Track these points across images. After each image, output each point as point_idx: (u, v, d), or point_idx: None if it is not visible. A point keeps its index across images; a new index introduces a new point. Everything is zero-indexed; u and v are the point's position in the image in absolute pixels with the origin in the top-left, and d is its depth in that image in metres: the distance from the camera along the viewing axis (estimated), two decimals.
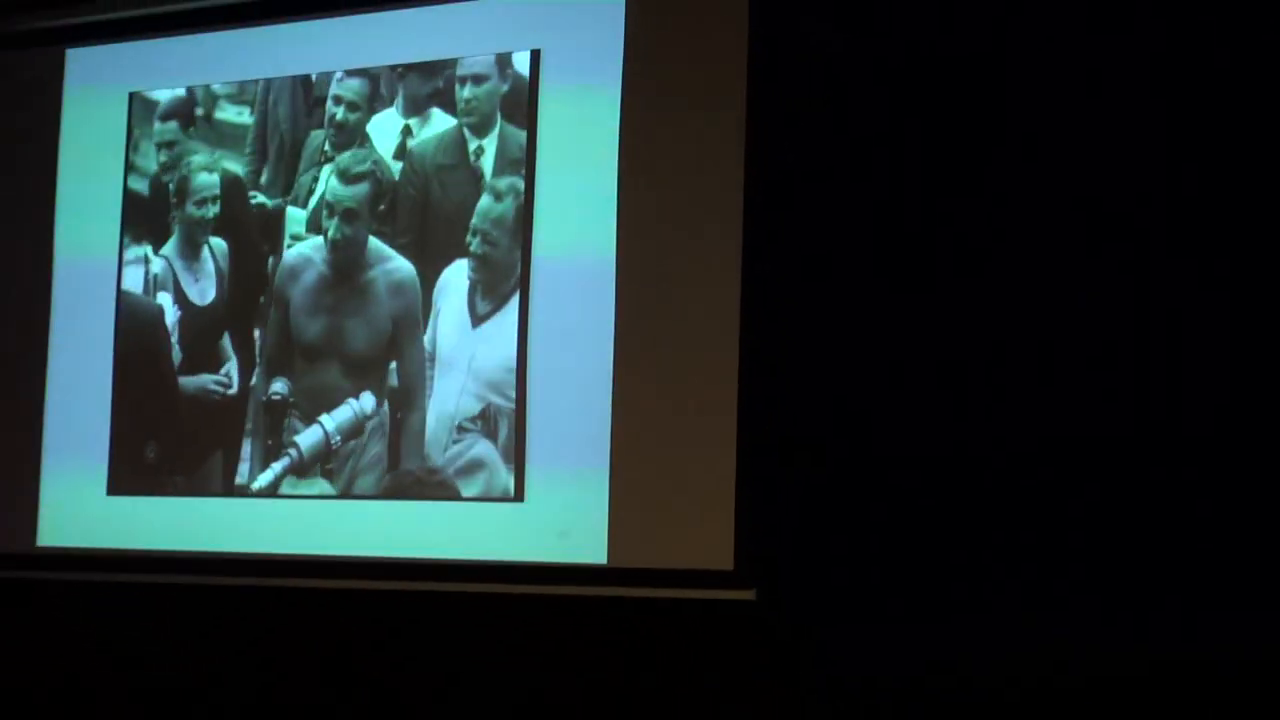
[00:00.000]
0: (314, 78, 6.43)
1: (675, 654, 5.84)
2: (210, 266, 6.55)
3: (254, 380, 6.39)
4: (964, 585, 5.53)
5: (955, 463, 5.53)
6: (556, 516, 5.82)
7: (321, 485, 6.26)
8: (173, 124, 6.63)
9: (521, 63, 6.00)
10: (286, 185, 6.41)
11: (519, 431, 5.89)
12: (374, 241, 6.21)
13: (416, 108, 6.19)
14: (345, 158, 6.28)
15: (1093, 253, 5.52)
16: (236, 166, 6.48)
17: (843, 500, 5.64)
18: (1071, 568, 5.47)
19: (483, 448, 6.00)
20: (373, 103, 6.32)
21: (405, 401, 6.09)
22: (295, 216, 6.38)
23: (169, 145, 6.62)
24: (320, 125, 6.38)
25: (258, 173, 6.46)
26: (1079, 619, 5.41)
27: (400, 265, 6.16)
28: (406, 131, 6.20)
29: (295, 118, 6.45)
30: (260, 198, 6.43)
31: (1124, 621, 5.48)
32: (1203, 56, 5.32)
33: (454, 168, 6.10)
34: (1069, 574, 5.47)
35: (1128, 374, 5.48)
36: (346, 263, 6.24)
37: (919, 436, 5.59)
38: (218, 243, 6.51)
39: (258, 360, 6.40)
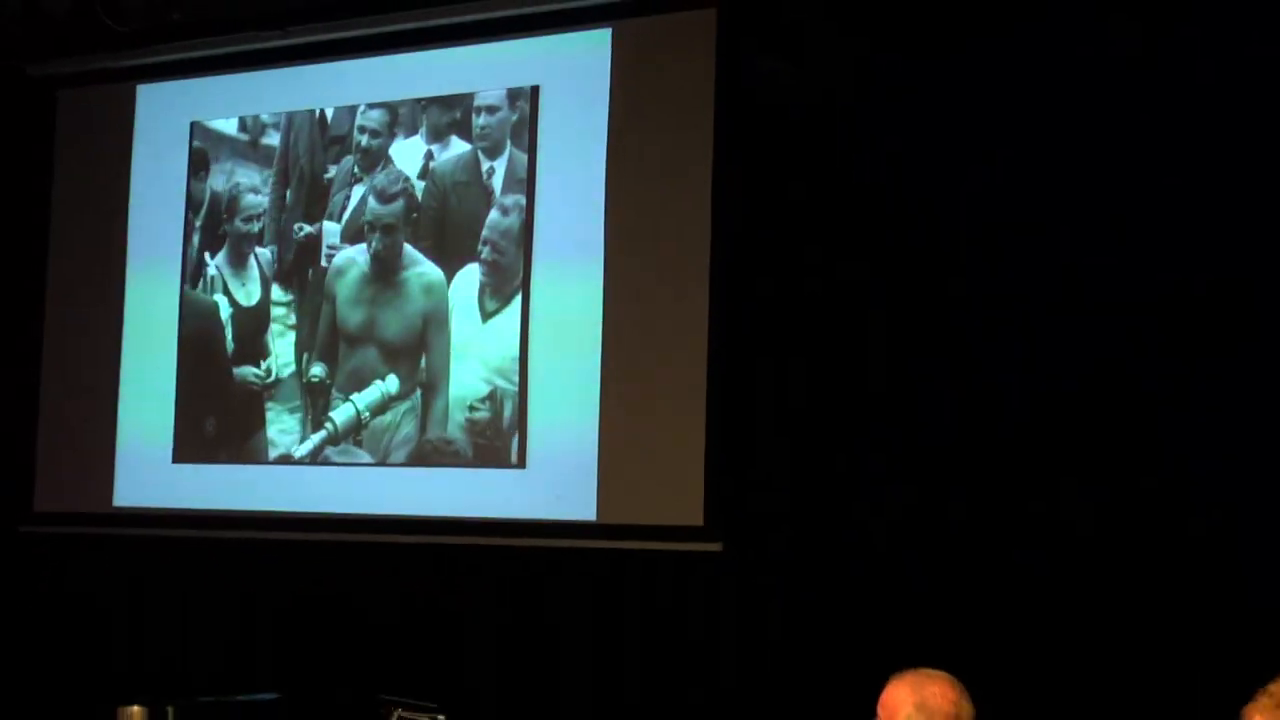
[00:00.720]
0: (330, 113, 6.56)
1: (654, 597, 5.95)
2: (255, 273, 6.69)
3: (299, 365, 6.53)
4: (908, 531, 5.58)
5: (901, 432, 5.58)
6: (553, 481, 5.99)
7: (356, 454, 6.41)
8: (226, 149, 6.77)
9: (528, 95, 6.15)
10: (321, 205, 6.56)
11: (521, 410, 6.05)
12: (407, 247, 6.36)
13: (438, 134, 6.32)
14: (380, 179, 6.44)
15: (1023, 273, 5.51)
16: (279, 185, 6.64)
17: (801, 468, 5.71)
18: (1023, 506, 5.47)
19: (490, 423, 6.16)
20: (393, 129, 6.44)
21: (432, 387, 6.25)
22: (330, 230, 6.53)
23: (223, 168, 6.77)
24: (344, 152, 6.51)
25: (283, 195, 6.63)
26: (1042, 554, 5.39)
27: (430, 269, 6.30)
28: (429, 156, 6.33)
29: (313, 148, 6.59)
30: (300, 219, 6.59)
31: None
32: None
33: (468, 185, 6.25)
34: (1027, 517, 5.46)
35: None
36: (385, 265, 6.39)
37: (866, 414, 5.63)
38: (262, 252, 6.66)
39: (302, 349, 6.53)
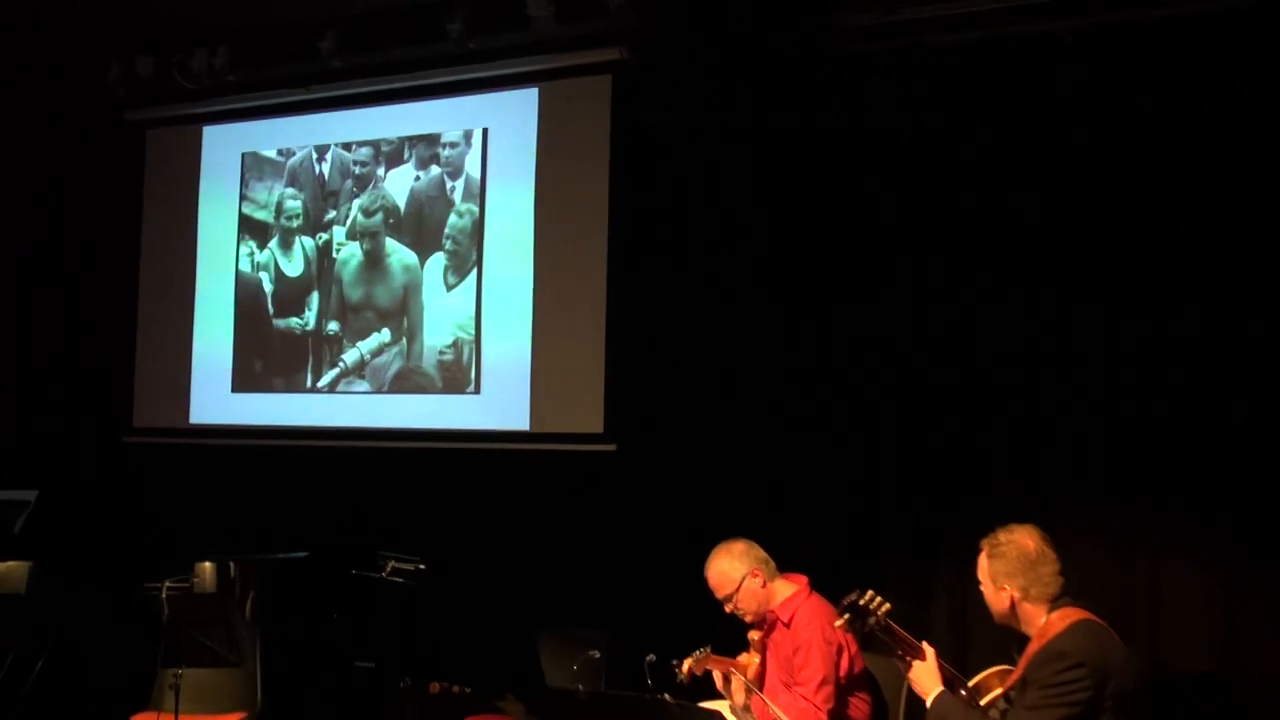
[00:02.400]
0: (336, 147, 6.81)
1: (570, 484, 6.25)
2: (299, 254, 6.95)
3: (320, 324, 6.84)
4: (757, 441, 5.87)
5: (759, 364, 5.84)
6: (499, 403, 6.35)
7: (362, 384, 6.72)
8: (270, 170, 7.05)
9: (479, 134, 6.46)
10: (329, 213, 6.84)
11: (477, 353, 6.40)
12: (390, 240, 6.64)
13: (423, 162, 6.61)
14: (364, 199, 6.73)
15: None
16: (304, 196, 6.90)
17: (675, 386, 6.03)
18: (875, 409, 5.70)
19: (454, 362, 6.48)
20: (377, 159, 6.70)
21: (412, 336, 6.57)
22: (339, 233, 6.84)
23: (266, 184, 7.05)
24: (346, 176, 6.79)
25: (309, 203, 6.89)
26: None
27: (407, 254, 6.61)
28: (416, 178, 6.61)
29: (325, 173, 6.87)
30: (320, 223, 6.88)
31: None
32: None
33: (437, 198, 6.59)
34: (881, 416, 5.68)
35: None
36: (373, 257, 6.70)
37: (737, 345, 5.91)
38: (304, 240, 6.93)
39: (322, 314, 6.82)
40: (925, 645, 3.70)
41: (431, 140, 6.60)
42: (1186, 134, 5.17)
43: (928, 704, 3.62)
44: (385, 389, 6.69)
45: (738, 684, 4.46)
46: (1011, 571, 3.58)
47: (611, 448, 6.02)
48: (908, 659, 3.68)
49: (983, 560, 3.68)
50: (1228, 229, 5.09)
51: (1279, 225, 5.02)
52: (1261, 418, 5.05)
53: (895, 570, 5.63)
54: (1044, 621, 3.55)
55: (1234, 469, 5.06)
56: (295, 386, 6.93)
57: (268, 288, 7.06)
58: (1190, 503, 5.14)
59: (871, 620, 3.66)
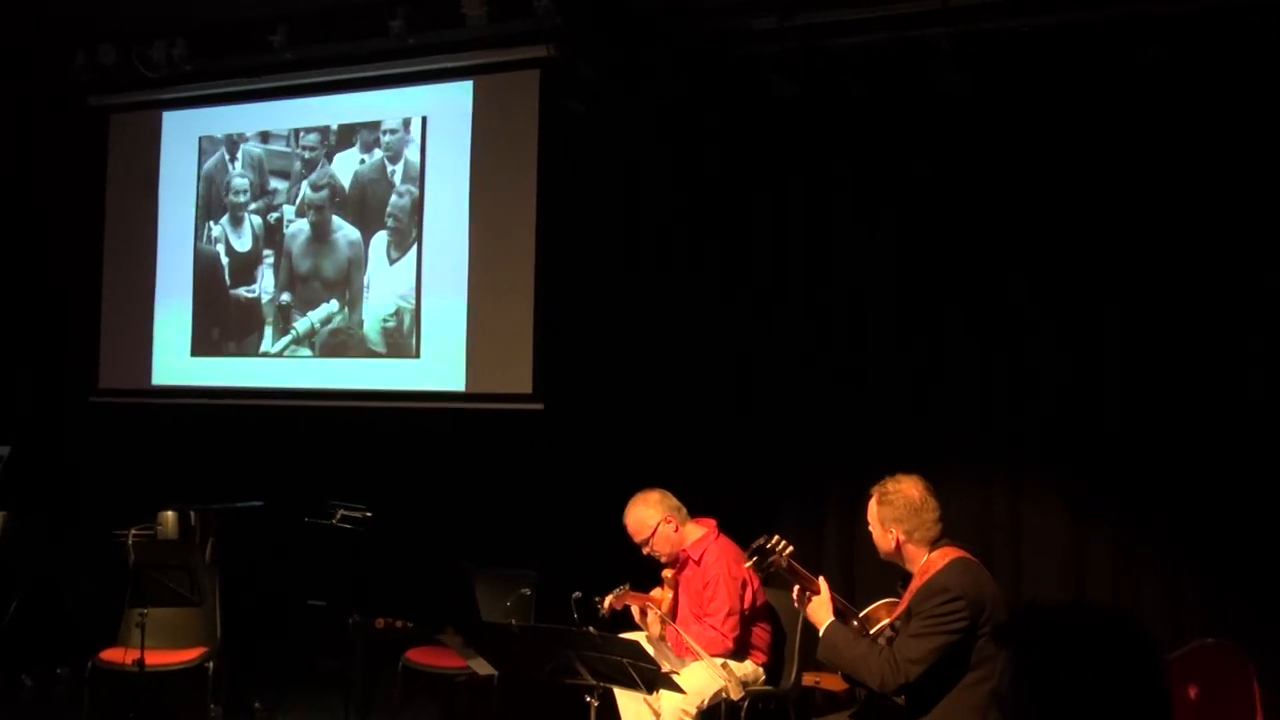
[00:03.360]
0: (286, 131, 6.65)
1: (502, 440, 6.20)
2: (248, 229, 6.79)
3: (272, 294, 6.67)
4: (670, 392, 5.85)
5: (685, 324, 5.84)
6: (438, 366, 6.26)
7: (312, 350, 6.58)
8: (223, 152, 6.86)
9: (418, 122, 6.35)
10: (278, 192, 6.67)
11: (417, 321, 6.29)
12: (336, 218, 6.50)
13: (366, 147, 6.48)
14: (314, 177, 6.58)
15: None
16: (254, 177, 6.74)
17: (598, 352, 6.00)
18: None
19: (396, 329, 6.37)
20: (325, 144, 6.55)
21: (355, 306, 6.45)
22: (288, 211, 6.67)
23: (219, 165, 6.86)
24: (295, 158, 6.63)
25: (261, 183, 6.73)
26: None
27: (351, 231, 6.48)
28: (360, 161, 6.48)
29: (276, 155, 6.70)
30: (271, 199, 6.69)
31: None
32: None
33: (378, 180, 6.47)
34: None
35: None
36: (319, 231, 6.56)
37: (654, 314, 5.93)
38: (253, 217, 6.76)
39: (274, 282, 6.65)
40: (821, 580, 3.68)
41: (373, 127, 6.48)
42: (1039, 134, 5.29)
43: (820, 633, 3.60)
44: (333, 354, 6.54)
45: (654, 616, 4.47)
46: (899, 517, 3.58)
47: (539, 407, 5.97)
48: (807, 595, 3.66)
49: (872, 505, 3.67)
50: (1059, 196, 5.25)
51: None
52: (1094, 380, 5.18)
53: (791, 515, 5.67)
54: (925, 560, 3.56)
55: (1074, 421, 5.20)
56: (249, 350, 6.76)
57: (223, 260, 6.87)
58: (1044, 453, 5.25)
59: (776, 560, 3.62)
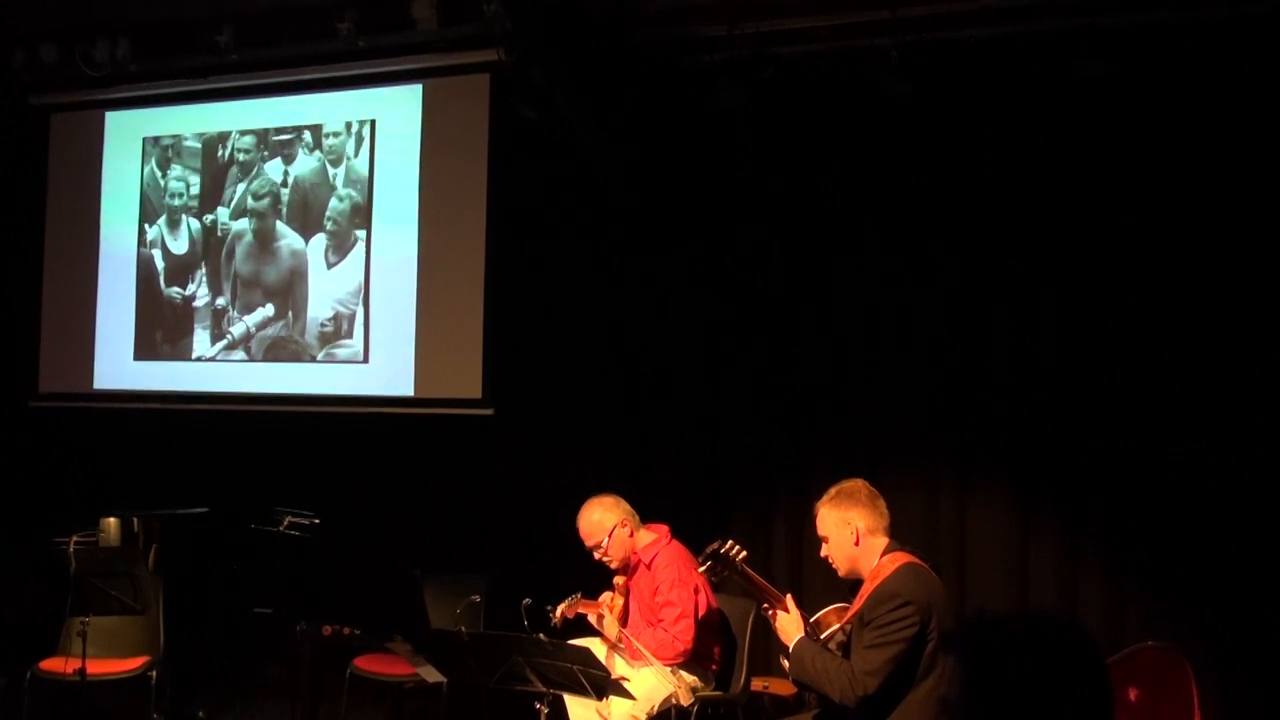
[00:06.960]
0: (231, 133, 6.51)
1: (452, 445, 6.17)
2: (184, 232, 6.64)
3: (209, 298, 6.53)
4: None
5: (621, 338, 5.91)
6: (386, 370, 6.14)
7: (252, 354, 6.45)
8: (165, 154, 6.71)
9: (365, 126, 6.24)
10: (217, 197, 6.54)
11: (366, 325, 6.17)
12: (280, 225, 6.38)
13: (309, 149, 6.36)
14: (256, 183, 6.45)
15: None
16: (194, 179, 6.60)
17: (548, 357, 6.04)
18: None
19: (334, 334, 6.24)
20: (267, 146, 6.44)
21: (298, 312, 6.32)
22: (222, 214, 6.54)
23: (161, 166, 6.71)
24: (231, 163, 6.51)
25: (199, 185, 6.59)
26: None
27: (295, 240, 6.35)
28: (302, 165, 6.35)
29: (215, 158, 6.56)
30: (208, 204, 6.58)
31: None
32: None
33: (319, 184, 6.35)
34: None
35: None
36: (263, 236, 6.42)
37: (604, 321, 5.95)
38: (190, 220, 6.62)
39: (211, 288, 6.52)
40: (788, 597, 3.68)
41: (316, 130, 6.39)
42: (983, 141, 5.37)
43: (790, 648, 3.59)
44: (275, 359, 6.42)
45: (610, 623, 4.48)
46: (854, 506, 3.59)
47: (489, 412, 5.90)
48: (773, 610, 3.66)
49: (825, 512, 3.66)
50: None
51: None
52: (1036, 385, 5.25)
53: (741, 522, 5.67)
54: (876, 565, 3.57)
55: (1018, 426, 5.27)
56: (189, 354, 6.62)
57: (159, 264, 6.74)
58: (989, 463, 5.31)
59: (729, 566, 3.62)
